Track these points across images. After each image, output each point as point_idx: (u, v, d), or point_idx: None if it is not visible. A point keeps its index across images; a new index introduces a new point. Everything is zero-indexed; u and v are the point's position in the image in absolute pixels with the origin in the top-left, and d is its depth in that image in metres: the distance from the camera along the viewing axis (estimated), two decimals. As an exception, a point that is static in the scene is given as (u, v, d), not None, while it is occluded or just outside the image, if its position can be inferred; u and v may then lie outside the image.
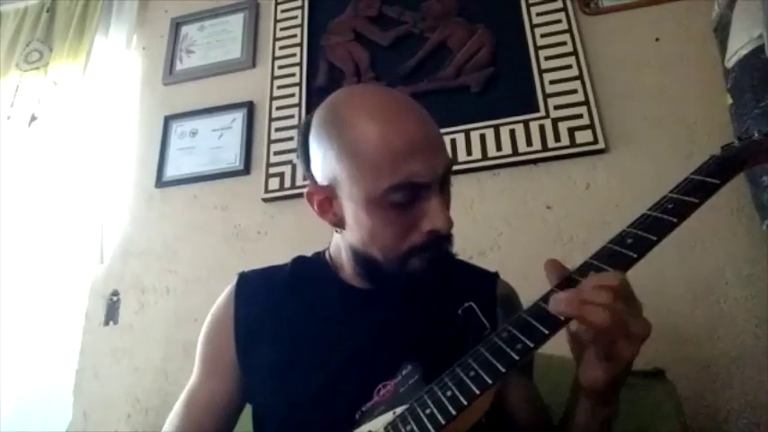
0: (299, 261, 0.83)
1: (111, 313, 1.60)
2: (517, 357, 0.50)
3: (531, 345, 0.50)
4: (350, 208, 0.68)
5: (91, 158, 1.77)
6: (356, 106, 0.68)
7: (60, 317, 1.67)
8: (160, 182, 1.71)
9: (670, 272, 1.23)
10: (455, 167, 1.43)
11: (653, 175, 1.30)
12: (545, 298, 0.53)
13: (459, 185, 1.44)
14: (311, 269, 0.81)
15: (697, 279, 1.22)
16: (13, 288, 1.69)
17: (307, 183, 0.75)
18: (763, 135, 0.61)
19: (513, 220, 1.38)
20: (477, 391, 0.52)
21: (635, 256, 0.53)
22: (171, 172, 1.71)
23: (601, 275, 0.52)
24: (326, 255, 0.81)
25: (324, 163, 0.69)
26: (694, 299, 1.21)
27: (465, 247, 1.37)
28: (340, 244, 0.76)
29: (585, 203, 1.35)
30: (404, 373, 0.61)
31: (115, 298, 1.62)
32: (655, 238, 0.54)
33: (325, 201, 0.71)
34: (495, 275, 0.82)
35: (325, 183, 0.70)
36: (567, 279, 0.54)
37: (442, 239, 0.68)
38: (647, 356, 1.15)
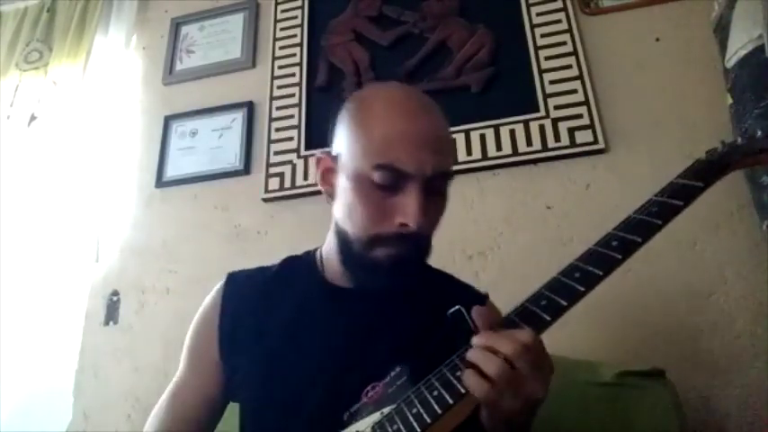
0: (287, 261, 0.85)
1: (111, 313, 1.60)
2: None
3: None
4: (342, 180, 0.72)
5: (91, 158, 1.77)
6: (377, 95, 0.74)
7: (60, 317, 1.67)
8: (160, 182, 1.71)
9: (670, 271, 1.23)
10: (455, 167, 1.44)
11: (653, 175, 1.30)
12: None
13: (459, 185, 1.43)
14: (297, 269, 0.83)
15: (697, 279, 1.22)
16: (13, 288, 1.69)
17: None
18: (746, 139, 0.63)
19: (513, 220, 1.38)
20: (463, 390, 0.54)
21: (620, 257, 0.56)
22: (171, 172, 1.71)
23: (500, 336, 0.54)
24: (317, 253, 0.83)
25: (338, 136, 0.75)
26: (694, 299, 1.21)
27: (465, 248, 1.38)
28: (330, 237, 0.78)
29: (585, 203, 1.35)
30: (392, 374, 0.62)
31: (115, 298, 1.61)
32: (639, 240, 0.57)
33: (328, 170, 0.76)
34: (486, 297, 0.83)
35: (333, 153, 0.75)
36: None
37: (410, 239, 0.68)
38: (648, 356, 1.16)
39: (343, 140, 0.73)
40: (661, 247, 1.25)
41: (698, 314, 1.20)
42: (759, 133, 0.64)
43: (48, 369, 1.62)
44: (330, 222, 0.79)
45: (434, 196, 0.70)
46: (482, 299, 0.82)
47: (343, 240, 0.73)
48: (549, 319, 0.55)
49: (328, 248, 0.79)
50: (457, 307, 0.59)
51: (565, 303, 0.54)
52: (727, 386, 1.14)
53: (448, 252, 1.36)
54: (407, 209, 0.66)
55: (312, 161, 1.48)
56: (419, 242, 0.71)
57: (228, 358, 0.77)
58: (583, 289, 0.55)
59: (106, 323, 1.59)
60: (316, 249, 0.84)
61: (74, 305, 1.65)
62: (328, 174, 0.76)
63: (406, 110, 0.71)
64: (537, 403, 0.54)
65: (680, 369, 1.09)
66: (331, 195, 0.76)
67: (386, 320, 0.74)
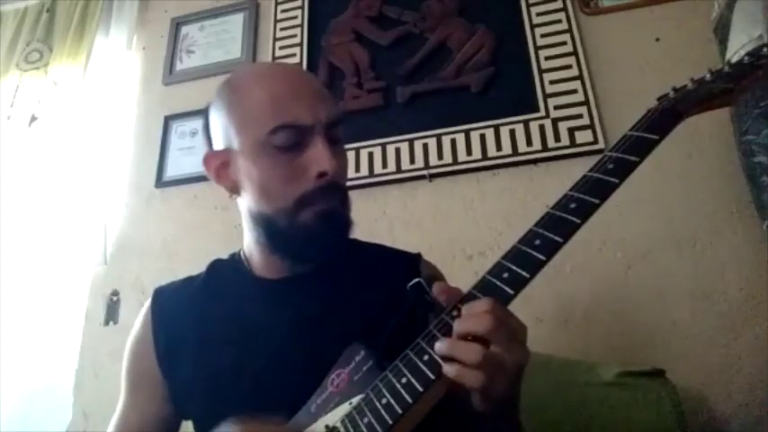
0: (214, 265, 0.84)
1: (111, 313, 1.60)
2: None
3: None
4: (242, 166, 0.70)
5: (91, 158, 1.77)
6: (245, 73, 0.76)
7: (60, 317, 1.67)
8: (160, 182, 1.70)
9: (670, 271, 1.23)
10: (455, 167, 1.45)
11: (652, 175, 1.30)
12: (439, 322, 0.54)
13: (459, 185, 1.45)
14: (225, 271, 0.81)
15: (697, 279, 1.22)
16: (14, 288, 1.69)
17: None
18: (696, 83, 0.61)
19: (513, 220, 1.38)
20: (433, 376, 0.51)
21: (578, 221, 0.55)
22: (171, 172, 1.71)
23: (466, 318, 0.51)
24: (241, 253, 0.81)
25: (219, 129, 0.73)
26: (694, 299, 1.21)
27: (465, 247, 1.38)
28: (247, 234, 0.77)
29: (585, 203, 1.34)
30: (357, 359, 0.59)
31: (115, 298, 1.61)
32: (597, 201, 0.55)
33: (222, 166, 0.73)
34: (419, 256, 0.82)
35: (221, 147, 0.73)
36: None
37: (331, 189, 0.68)
38: (648, 356, 1.16)
39: (227, 128, 0.71)
40: (661, 246, 1.25)
41: (698, 314, 1.20)
42: (708, 76, 0.60)
43: (48, 368, 1.62)
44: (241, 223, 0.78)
45: (336, 145, 0.70)
46: (416, 260, 0.81)
47: (264, 223, 0.71)
48: (512, 293, 0.52)
49: (249, 247, 0.78)
50: (416, 280, 0.58)
51: (527, 275, 0.52)
52: (727, 386, 1.14)
53: (448, 252, 1.36)
54: (319, 158, 0.66)
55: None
56: (340, 193, 0.71)
57: (170, 373, 0.74)
58: (544, 258, 0.53)
59: (106, 323, 1.59)
60: (239, 251, 0.82)
61: (74, 305, 1.65)
62: (223, 169, 0.73)
63: (277, 73, 0.73)
64: (523, 368, 0.52)
65: (680, 369, 1.09)
66: (234, 190, 0.74)
67: (329, 301, 0.72)
